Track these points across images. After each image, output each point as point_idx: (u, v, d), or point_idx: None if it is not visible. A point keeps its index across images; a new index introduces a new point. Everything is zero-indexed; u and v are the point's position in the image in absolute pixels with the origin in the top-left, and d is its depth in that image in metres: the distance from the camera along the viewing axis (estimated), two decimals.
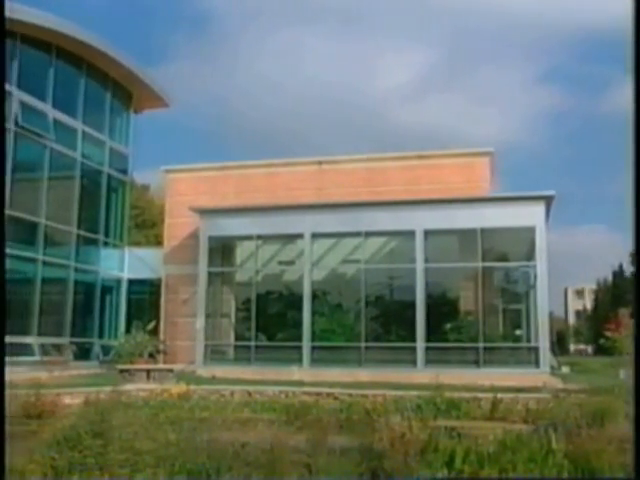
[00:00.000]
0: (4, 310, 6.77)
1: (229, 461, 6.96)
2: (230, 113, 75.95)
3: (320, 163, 24.30)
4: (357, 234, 21.35)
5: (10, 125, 20.79)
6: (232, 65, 78.04)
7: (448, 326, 21.10)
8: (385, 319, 22.64)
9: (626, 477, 6.51)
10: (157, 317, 24.20)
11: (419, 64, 77.30)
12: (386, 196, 21.93)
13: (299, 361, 20.57)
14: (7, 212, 20.44)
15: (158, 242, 30.05)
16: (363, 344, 20.55)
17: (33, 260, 21.79)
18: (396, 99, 75.50)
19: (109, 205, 26.20)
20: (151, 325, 22.79)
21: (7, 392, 11.34)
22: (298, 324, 21.13)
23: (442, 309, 21.59)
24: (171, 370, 18.52)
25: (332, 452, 7.40)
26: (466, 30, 75.36)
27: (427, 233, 20.51)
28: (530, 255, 20.30)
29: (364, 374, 18.97)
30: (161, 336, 23.69)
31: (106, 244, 25.75)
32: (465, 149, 23.81)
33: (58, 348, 22.11)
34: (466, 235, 20.63)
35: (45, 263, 22.25)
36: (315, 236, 21.60)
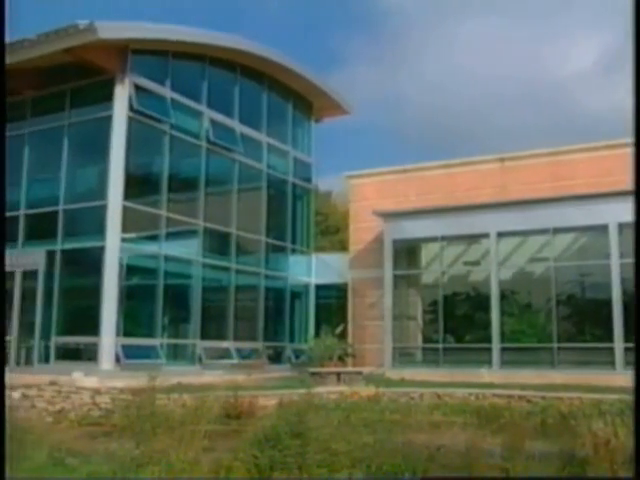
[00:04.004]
0: (4, 310, 7.10)
1: (424, 463, 6.96)
2: (409, 115, 75.69)
3: (502, 160, 23.67)
4: (544, 231, 20.63)
5: (202, 142, 22.09)
6: (409, 65, 77.81)
7: None
8: (578, 318, 21.68)
9: (626, 477, 6.21)
10: (345, 321, 24.63)
11: (601, 47, 73.16)
12: (574, 190, 20.96)
13: (488, 363, 20.20)
14: (203, 224, 21.83)
15: (342, 247, 30.55)
16: (555, 345, 19.79)
17: (227, 269, 22.92)
18: (579, 86, 71.93)
19: (295, 213, 27.04)
20: (339, 329, 23.22)
21: (210, 394, 12.08)
22: (486, 325, 20.74)
23: None
24: (360, 373, 18.81)
25: (530, 457, 7.19)
26: None
27: (622, 226, 19.40)
28: None
29: (557, 376, 18.28)
30: (349, 339, 24.08)
31: (293, 251, 26.56)
32: None
33: (255, 352, 23.16)
34: None
35: (238, 271, 23.34)
36: (501, 235, 21.12)
